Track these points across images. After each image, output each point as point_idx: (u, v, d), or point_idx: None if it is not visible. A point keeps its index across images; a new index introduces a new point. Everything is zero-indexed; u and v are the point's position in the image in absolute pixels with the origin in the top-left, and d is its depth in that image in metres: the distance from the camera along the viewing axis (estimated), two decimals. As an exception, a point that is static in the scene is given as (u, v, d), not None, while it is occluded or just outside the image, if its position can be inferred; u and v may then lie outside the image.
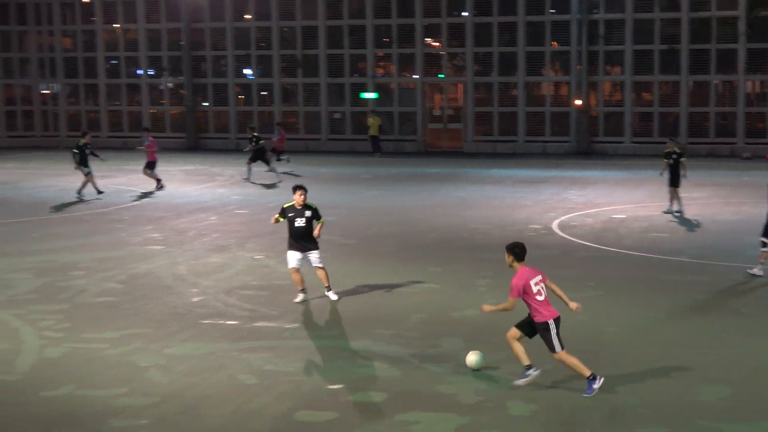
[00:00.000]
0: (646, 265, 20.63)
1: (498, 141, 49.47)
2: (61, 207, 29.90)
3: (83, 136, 33.54)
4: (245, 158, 37.72)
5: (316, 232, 17.11)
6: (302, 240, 17.10)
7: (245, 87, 53.43)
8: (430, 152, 49.56)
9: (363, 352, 14.29)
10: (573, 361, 12.30)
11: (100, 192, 32.05)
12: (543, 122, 49.16)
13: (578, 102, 47.83)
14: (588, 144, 47.90)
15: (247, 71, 53.15)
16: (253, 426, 11.44)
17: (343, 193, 33.02)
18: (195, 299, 17.63)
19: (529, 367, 12.58)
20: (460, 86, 50.97)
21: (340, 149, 50.69)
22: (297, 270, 17.28)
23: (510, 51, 49.04)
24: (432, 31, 50.73)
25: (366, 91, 51.26)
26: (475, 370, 13.16)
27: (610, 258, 21.49)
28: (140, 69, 54.55)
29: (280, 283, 18.91)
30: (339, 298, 17.43)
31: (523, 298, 12.33)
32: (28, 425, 11.49)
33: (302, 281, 17.37)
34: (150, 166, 34.29)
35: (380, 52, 51.43)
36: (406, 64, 51.30)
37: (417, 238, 24.08)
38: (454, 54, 50.76)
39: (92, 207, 29.53)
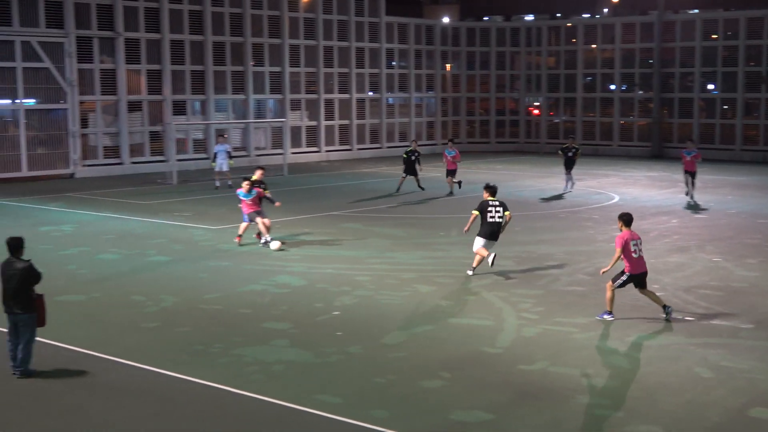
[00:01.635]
0: None
1: None
2: (540, 204, 30.55)
3: (412, 143, 35.13)
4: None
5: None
6: None
7: (708, 101, 51.48)
8: None
9: (818, 357, 13.23)
10: (609, 295, 15.33)
11: (397, 191, 32.95)
12: None
13: None
14: None
15: (710, 86, 51.22)
16: (707, 416, 10.99)
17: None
18: (656, 294, 17.29)
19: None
20: None
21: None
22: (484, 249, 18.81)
23: None
24: None
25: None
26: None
27: None
28: (613, 84, 54.40)
29: (737, 285, 18.02)
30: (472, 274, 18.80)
31: (623, 253, 15.06)
32: (505, 391, 11.85)
33: (480, 261, 18.74)
34: (450, 174, 33.40)
35: None
36: None
37: None
38: None
39: (566, 205, 29.86)
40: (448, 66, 57.06)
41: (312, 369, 12.85)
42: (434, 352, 13.59)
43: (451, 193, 32.81)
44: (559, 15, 64.50)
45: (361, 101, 51.77)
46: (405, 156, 33.87)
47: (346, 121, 50.96)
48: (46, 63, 38.48)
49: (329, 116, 50.03)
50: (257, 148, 46.79)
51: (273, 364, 12.99)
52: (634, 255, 15.08)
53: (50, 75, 38.69)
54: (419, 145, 37.38)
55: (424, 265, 20.11)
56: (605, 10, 60.28)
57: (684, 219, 27.11)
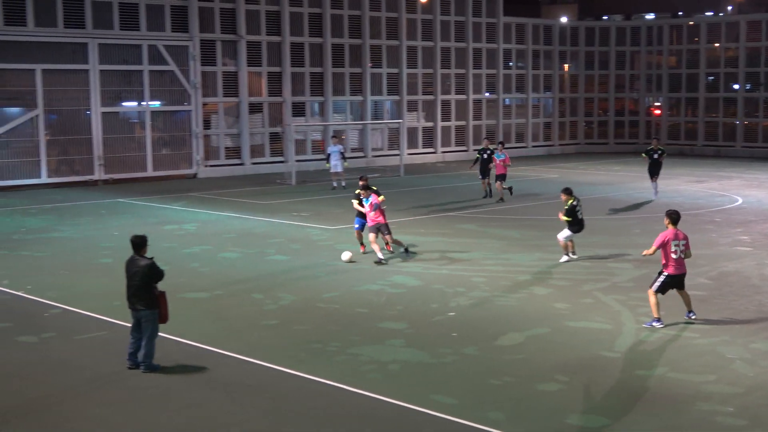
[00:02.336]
0: None
1: None
2: (659, 206, 29.83)
3: (484, 141, 33.64)
4: None
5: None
6: None
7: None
8: None
9: None
10: (653, 301, 14.78)
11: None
12: None
13: None
14: None
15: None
16: (835, 428, 10.56)
17: None
18: (781, 300, 16.71)
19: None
20: None
21: None
22: (568, 240, 20.57)
23: None
24: None
25: None
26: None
27: None
28: (737, 84, 52.81)
29: None
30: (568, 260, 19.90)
31: (662, 250, 14.66)
32: (623, 396, 11.60)
33: (567, 246, 20.54)
34: (499, 178, 31.08)
35: None
36: None
37: None
38: None
39: (687, 208, 29.04)
40: (566, 66, 56.34)
41: (427, 369, 12.85)
42: (550, 354, 13.42)
43: (501, 200, 30.97)
44: (680, 13, 63.07)
45: (477, 102, 51.56)
46: (478, 155, 32.25)
47: (462, 122, 50.83)
48: (171, 66, 39.52)
49: (446, 117, 49.99)
50: (374, 149, 47.10)
51: (389, 364, 13.03)
52: (673, 255, 14.68)
53: (175, 77, 39.74)
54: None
55: (539, 266, 19.89)
56: (729, 8, 58.61)
57: (812, 222, 26.14)
